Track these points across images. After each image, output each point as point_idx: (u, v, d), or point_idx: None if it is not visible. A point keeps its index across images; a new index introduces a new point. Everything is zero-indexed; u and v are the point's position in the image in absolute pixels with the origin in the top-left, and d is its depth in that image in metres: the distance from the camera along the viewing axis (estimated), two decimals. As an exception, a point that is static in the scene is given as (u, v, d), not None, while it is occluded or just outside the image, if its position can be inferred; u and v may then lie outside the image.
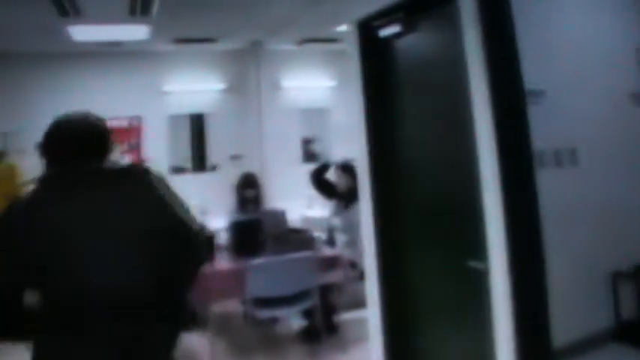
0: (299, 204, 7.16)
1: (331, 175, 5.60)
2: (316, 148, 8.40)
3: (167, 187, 2.01)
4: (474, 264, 2.67)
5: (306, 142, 8.33)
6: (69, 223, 1.78)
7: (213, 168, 7.69)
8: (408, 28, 3.19)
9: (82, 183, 1.88)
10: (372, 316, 3.66)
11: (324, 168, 5.59)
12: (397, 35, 3.31)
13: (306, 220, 6.92)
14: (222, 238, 5.14)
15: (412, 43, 3.24)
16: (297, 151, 8.20)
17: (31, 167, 5.91)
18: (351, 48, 3.69)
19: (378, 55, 3.54)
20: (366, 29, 3.56)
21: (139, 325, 1.83)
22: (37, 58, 6.82)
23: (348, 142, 7.95)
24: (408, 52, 3.32)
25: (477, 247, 2.63)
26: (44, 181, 1.90)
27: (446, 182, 2.99)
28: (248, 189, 5.74)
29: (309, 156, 8.28)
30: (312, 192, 5.94)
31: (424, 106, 3.17)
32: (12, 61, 6.71)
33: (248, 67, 7.71)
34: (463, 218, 2.82)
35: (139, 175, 2.00)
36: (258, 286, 4.28)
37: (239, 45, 7.57)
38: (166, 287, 1.93)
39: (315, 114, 8.36)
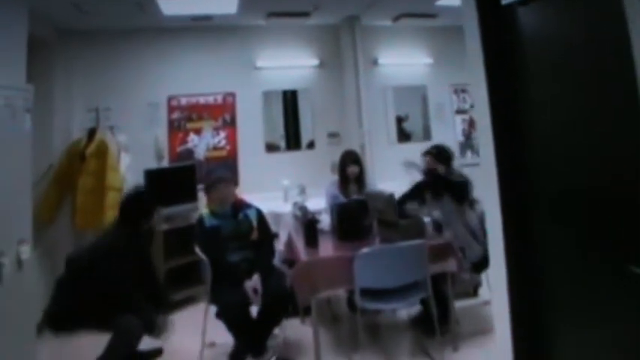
0: (397, 185, 6.78)
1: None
2: (409, 127, 8.04)
3: None
4: (637, 269, 2.18)
5: (399, 121, 7.97)
6: None
7: (309, 146, 7.45)
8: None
9: None
10: (498, 315, 3.25)
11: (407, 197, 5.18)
12: (522, 2, 2.85)
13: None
14: (324, 221, 4.88)
15: (544, 11, 2.76)
16: (393, 130, 7.87)
17: (120, 143, 5.94)
18: (467, 19, 3.25)
19: (500, 26, 3.08)
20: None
21: None
22: (128, 34, 6.78)
23: (445, 121, 7.90)
24: (537, 23, 2.83)
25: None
26: None
27: (595, 170, 2.50)
28: (351, 166, 5.43)
29: (402, 135, 7.93)
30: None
31: (563, 85, 2.68)
32: (104, 38, 6.69)
33: (343, 43, 7.45)
34: (620, 212, 2.33)
35: None
36: (366, 276, 3.97)
37: (333, 20, 7.32)
38: None
39: (408, 92, 8.04)
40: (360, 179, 5.47)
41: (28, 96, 3.69)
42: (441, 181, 4.83)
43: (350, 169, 5.43)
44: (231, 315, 4.14)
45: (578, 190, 2.66)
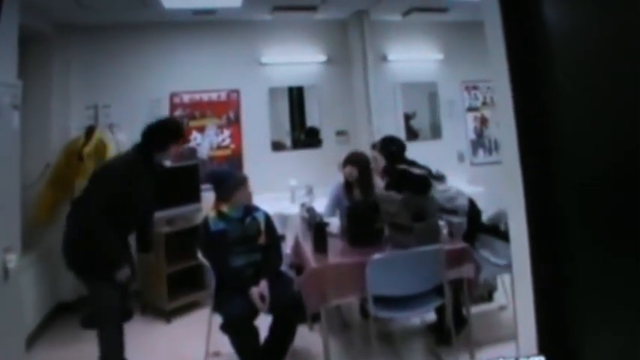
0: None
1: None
2: (416, 124, 7.85)
3: None
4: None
5: (407, 118, 7.78)
6: None
7: (316, 145, 7.27)
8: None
9: None
10: (522, 318, 3.06)
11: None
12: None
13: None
14: (333, 224, 4.69)
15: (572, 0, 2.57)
16: (401, 128, 7.66)
17: (121, 143, 5.75)
18: (488, 9, 3.05)
19: (524, 17, 2.90)
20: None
21: None
22: (129, 29, 6.62)
23: (456, 119, 7.75)
24: (564, 13, 2.63)
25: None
26: None
27: (626, 168, 2.31)
28: (346, 167, 5.07)
29: (410, 133, 7.71)
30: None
31: (593, 80, 2.48)
32: (103, 33, 6.52)
33: (351, 39, 7.28)
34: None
35: None
36: (379, 283, 3.78)
37: (341, 14, 7.15)
38: None
39: (418, 89, 7.87)
40: (363, 181, 5.06)
41: (16, 92, 3.45)
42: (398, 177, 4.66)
43: (346, 170, 5.06)
44: (236, 329, 3.92)
45: (608, 188, 2.45)
